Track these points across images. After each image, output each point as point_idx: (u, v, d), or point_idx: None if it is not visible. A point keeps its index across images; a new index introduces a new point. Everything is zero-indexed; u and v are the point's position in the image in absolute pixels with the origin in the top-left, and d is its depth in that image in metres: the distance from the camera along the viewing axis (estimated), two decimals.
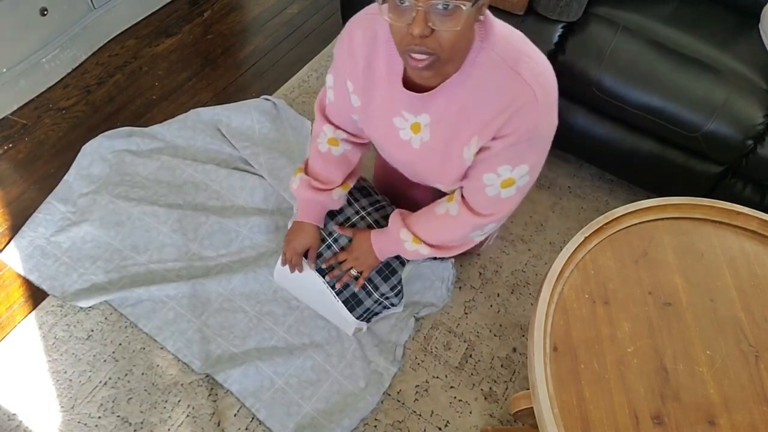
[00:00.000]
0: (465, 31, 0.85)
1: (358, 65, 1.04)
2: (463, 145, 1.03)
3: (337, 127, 1.24)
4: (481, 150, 1.02)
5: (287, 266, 1.40)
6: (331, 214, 1.35)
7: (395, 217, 1.22)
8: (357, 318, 1.38)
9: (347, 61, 1.05)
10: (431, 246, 1.19)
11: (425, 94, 1.00)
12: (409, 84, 1.02)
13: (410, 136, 1.08)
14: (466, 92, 0.96)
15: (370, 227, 1.33)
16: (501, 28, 0.95)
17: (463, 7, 0.80)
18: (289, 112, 1.96)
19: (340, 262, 1.32)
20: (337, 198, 1.29)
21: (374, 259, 1.28)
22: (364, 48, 1.03)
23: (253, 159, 1.79)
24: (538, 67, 0.95)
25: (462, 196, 1.13)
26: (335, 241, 1.34)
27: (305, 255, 1.37)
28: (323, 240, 1.35)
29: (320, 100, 1.24)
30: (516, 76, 0.93)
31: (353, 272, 1.31)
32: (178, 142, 1.81)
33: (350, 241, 1.33)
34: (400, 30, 0.84)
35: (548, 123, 0.98)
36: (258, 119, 1.89)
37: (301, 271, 1.37)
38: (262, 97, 1.98)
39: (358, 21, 1.03)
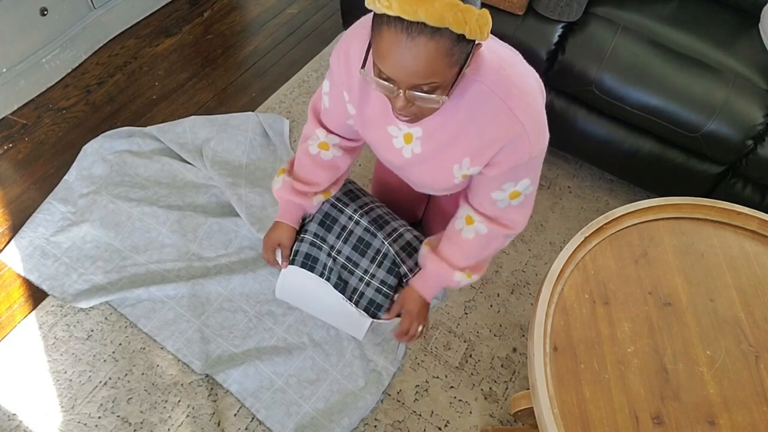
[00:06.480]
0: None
1: (354, 79, 1.05)
2: (454, 163, 1.06)
3: (330, 132, 1.24)
4: (479, 173, 1.06)
5: (288, 282, 1.40)
6: (328, 226, 1.34)
7: (430, 256, 1.22)
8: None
9: (344, 74, 1.05)
10: (470, 268, 1.22)
11: None
12: None
13: (402, 144, 1.10)
14: (458, 120, 0.99)
15: (366, 230, 1.33)
16: (491, 56, 0.96)
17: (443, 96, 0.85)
18: (284, 144, 1.89)
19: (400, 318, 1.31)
20: (316, 204, 1.30)
21: (426, 304, 1.29)
22: (359, 63, 1.03)
23: (231, 189, 1.69)
24: (527, 97, 0.97)
25: (481, 213, 1.16)
26: (338, 253, 1.33)
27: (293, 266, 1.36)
28: (319, 247, 1.34)
29: (314, 103, 1.24)
30: (506, 110, 0.95)
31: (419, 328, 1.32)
32: (178, 142, 1.81)
33: (349, 256, 1.33)
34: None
35: (539, 148, 1.01)
36: (248, 154, 1.81)
37: (278, 267, 1.36)
38: (262, 119, 1.91)
39: (353, 35, 1.03)
